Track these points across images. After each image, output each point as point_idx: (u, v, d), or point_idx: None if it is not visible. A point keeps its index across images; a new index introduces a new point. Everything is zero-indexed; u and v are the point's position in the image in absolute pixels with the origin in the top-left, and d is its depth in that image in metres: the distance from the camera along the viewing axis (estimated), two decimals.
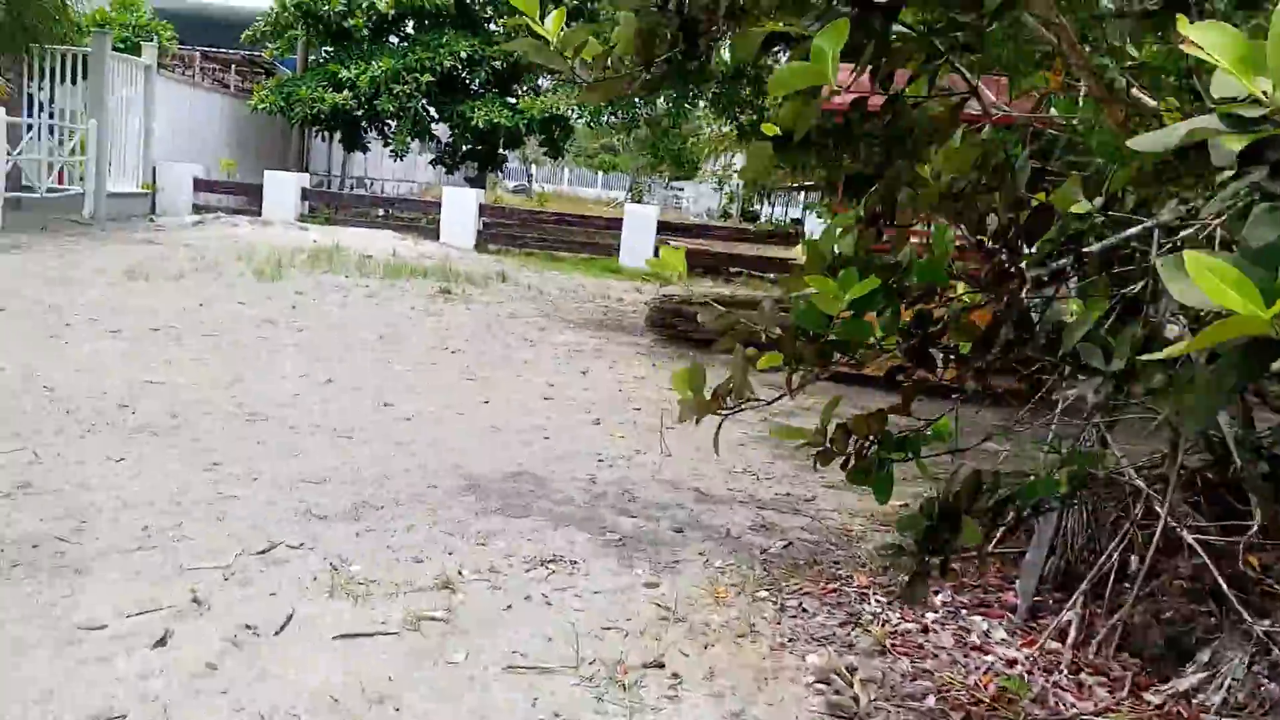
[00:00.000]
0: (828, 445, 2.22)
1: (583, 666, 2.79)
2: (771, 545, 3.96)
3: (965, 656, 3.06)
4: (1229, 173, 1.01)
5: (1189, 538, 2.98)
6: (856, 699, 2.75)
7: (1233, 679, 2.79)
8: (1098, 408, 2.78)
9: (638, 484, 4.66)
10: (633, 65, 2.05)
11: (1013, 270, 2.16)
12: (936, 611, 3.34)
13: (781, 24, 1.95)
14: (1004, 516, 2.06)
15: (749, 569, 3.65)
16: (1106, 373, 1.78)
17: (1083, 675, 2.97)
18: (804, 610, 3.32)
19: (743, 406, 2.07)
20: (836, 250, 2.02)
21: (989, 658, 3.05)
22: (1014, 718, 2.72)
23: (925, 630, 3.21)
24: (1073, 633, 3.11)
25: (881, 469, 2.19)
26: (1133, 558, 3.17)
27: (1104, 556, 3.16)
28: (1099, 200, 2.26)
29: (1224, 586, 2.92)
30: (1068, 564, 3.39)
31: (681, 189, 41.92)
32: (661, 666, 2.84)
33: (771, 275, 14.32)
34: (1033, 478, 2.12)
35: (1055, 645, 3.11)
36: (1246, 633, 2.85)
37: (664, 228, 16.37)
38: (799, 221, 23.73)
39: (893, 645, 3.09)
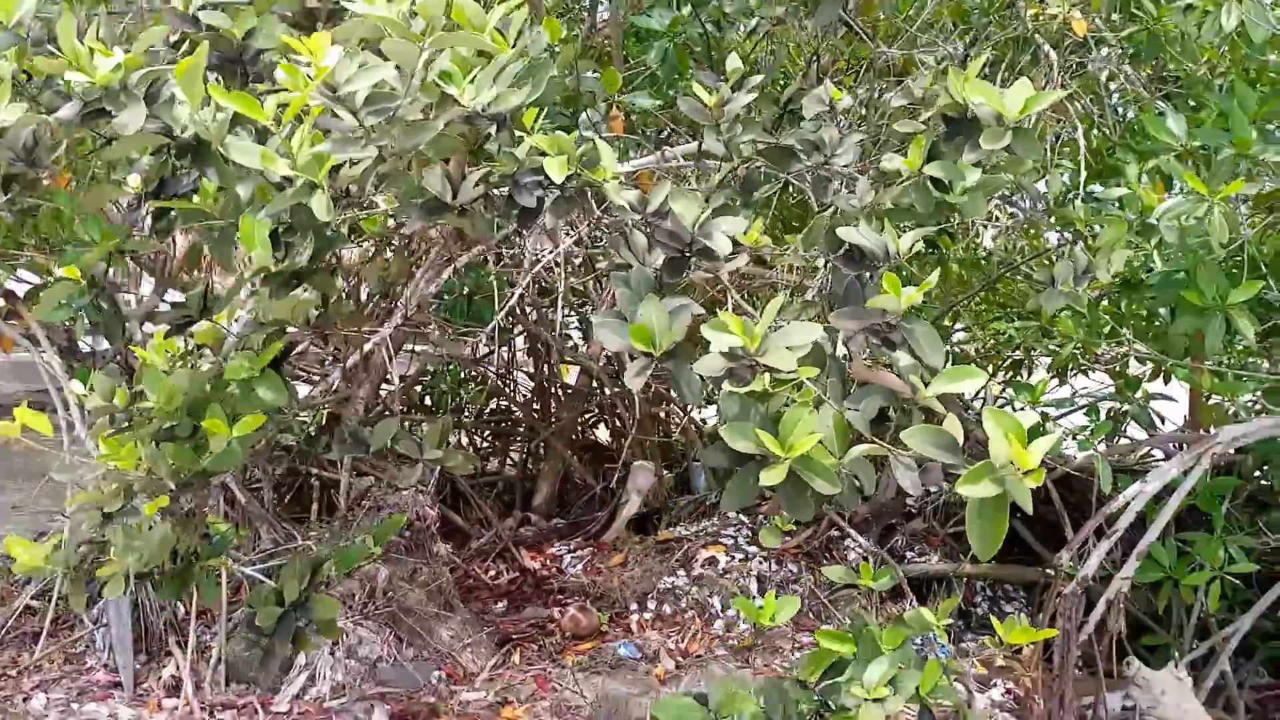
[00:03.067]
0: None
1: None
2: None
3: None
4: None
5: (250, 571, 3.62)
6: None
7: (328, 669, 3.58)
8: None
9: None
10: None
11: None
12: (48, 715, 3.24)
13: None
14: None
15: None
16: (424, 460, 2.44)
17: (215, 714, 3.37)
18: None
19: None
20: None
21: None
22: None
23: None
24: (188, 684, 3.44)
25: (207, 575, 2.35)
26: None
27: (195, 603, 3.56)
28: None
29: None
30: (148, 626, 3.62)
31: None
32: None
33: None
34: (344, 545, 2.55)
35: (173, 702, 3.40)
36: None
37: None
38: None
39: None
